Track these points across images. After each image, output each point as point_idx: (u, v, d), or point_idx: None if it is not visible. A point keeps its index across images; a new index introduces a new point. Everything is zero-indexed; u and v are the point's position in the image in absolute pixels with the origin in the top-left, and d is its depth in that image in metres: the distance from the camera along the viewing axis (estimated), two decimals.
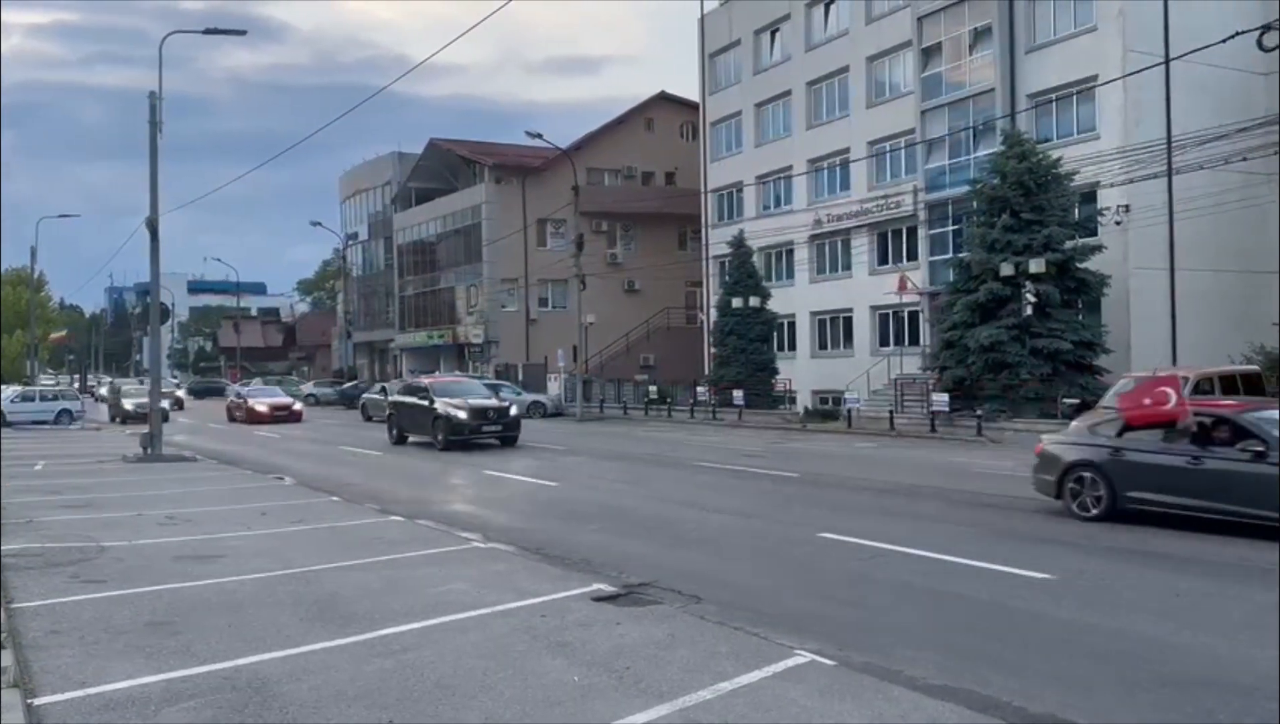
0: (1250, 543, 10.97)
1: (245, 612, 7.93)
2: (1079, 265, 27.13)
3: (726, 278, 40.36)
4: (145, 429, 23.47)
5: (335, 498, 15.63)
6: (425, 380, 26.97)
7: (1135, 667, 6.51)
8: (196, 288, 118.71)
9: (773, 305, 38.58)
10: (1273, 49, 16.78)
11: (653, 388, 41.21)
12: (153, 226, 23.24)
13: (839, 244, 39.38)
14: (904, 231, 36.29)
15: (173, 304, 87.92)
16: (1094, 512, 11.79)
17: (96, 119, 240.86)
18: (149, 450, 22.37)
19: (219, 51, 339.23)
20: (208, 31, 23.63)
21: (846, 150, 38.35)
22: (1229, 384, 19.85)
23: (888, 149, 36.97)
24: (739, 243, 39.04)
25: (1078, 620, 7.70)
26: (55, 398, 41.43)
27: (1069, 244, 27.08)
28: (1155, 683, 6.20)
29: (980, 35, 32.42)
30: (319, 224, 63.61)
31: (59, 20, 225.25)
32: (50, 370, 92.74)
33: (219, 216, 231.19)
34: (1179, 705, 5.82)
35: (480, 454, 23.56)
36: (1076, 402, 24.40)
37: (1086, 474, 11.93)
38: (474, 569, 9.69)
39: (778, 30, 42.72)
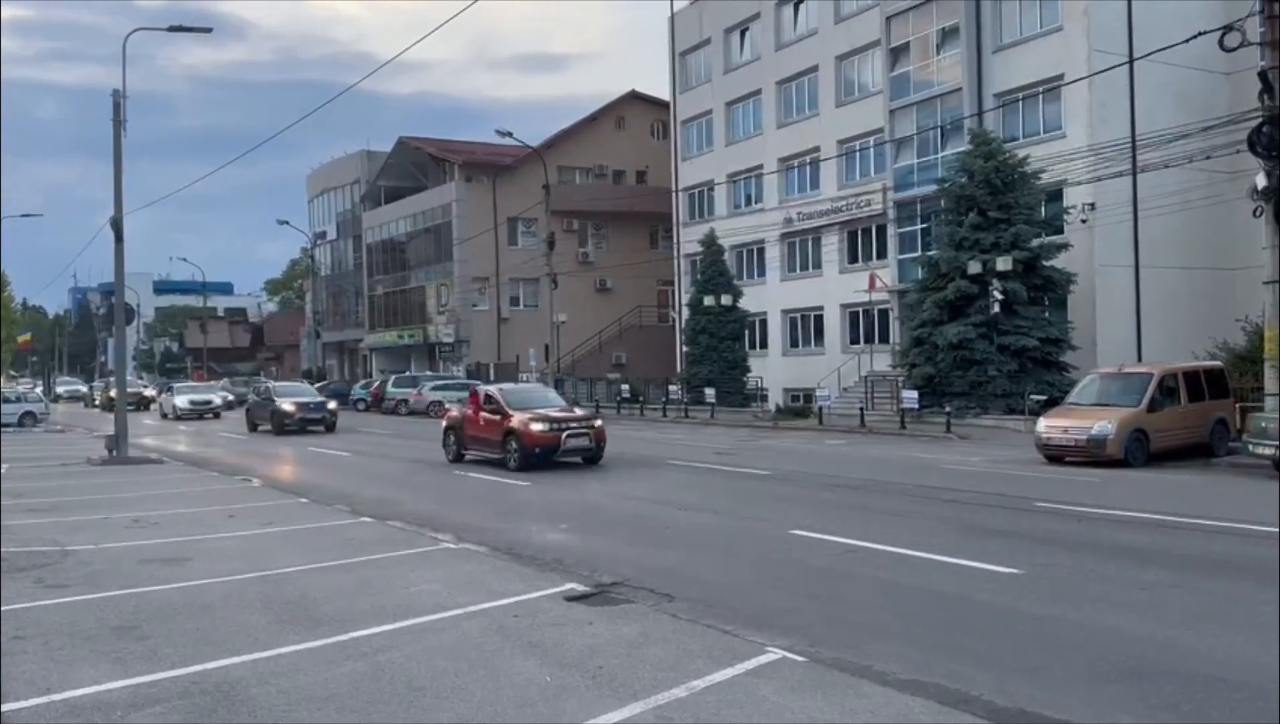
0: (1212, 537, 11.16)
1: (213, 615, 7.85)
2: (1045, 263, 27.43)
3: (698, 276, 40.43)
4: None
5: (304, 500, 15.51)
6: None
7: (1102, 658, 6.59)
8: (162, 288, 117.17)
9: (744, 304, 38.70)
10: (1234, 49, 17.04)
11: (625, 386, 41.22)
12: (117, 226, 22.92)
13: (809, 242, 39.56)
14: (873, 230, 36.52)
15: (138, 305, 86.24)
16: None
17: (53, 116, 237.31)
18: (115, 453, 22.07)
19: (178, 49, 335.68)
20: (173, 29, 23.34)
21: (816, 149, 38.54)
22: (1193, 380, 20.15)
23: (857, 148, 37.19)
24: (710, 241, 39.13)
25: (1045, 614, 7.79)
26: (18, 400, 40.80)
27: (1035, 242, 27.36)
28: (1121, 674, 6.29)
29: (948, 35, 32.69)
30: (286, 223, 63.23)
31: (12, 16, 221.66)
32: (13, 372, 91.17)
33: (184, 215, 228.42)
34: (1144, 696, 5.90)
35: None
36: (1043, 398, 24.67)
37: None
38: (445, 570, 9.65)
39: (748, 29, 42.86)
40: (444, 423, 22.05)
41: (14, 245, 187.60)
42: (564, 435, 19.14)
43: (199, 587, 8.93)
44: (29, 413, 38.86)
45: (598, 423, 20.36)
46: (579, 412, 21.97)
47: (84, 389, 71.99)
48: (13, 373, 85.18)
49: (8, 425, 36.30)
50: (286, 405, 31.24)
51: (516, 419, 19.27)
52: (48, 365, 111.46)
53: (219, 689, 6.00)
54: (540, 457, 18.87)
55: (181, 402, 43.07)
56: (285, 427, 30.84)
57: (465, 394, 43.63)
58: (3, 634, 7.25)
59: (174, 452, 25.86)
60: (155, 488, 17.28)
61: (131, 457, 22.40)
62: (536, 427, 19.04)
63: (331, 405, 32.71)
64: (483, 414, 20.33)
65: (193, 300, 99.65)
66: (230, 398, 50.31)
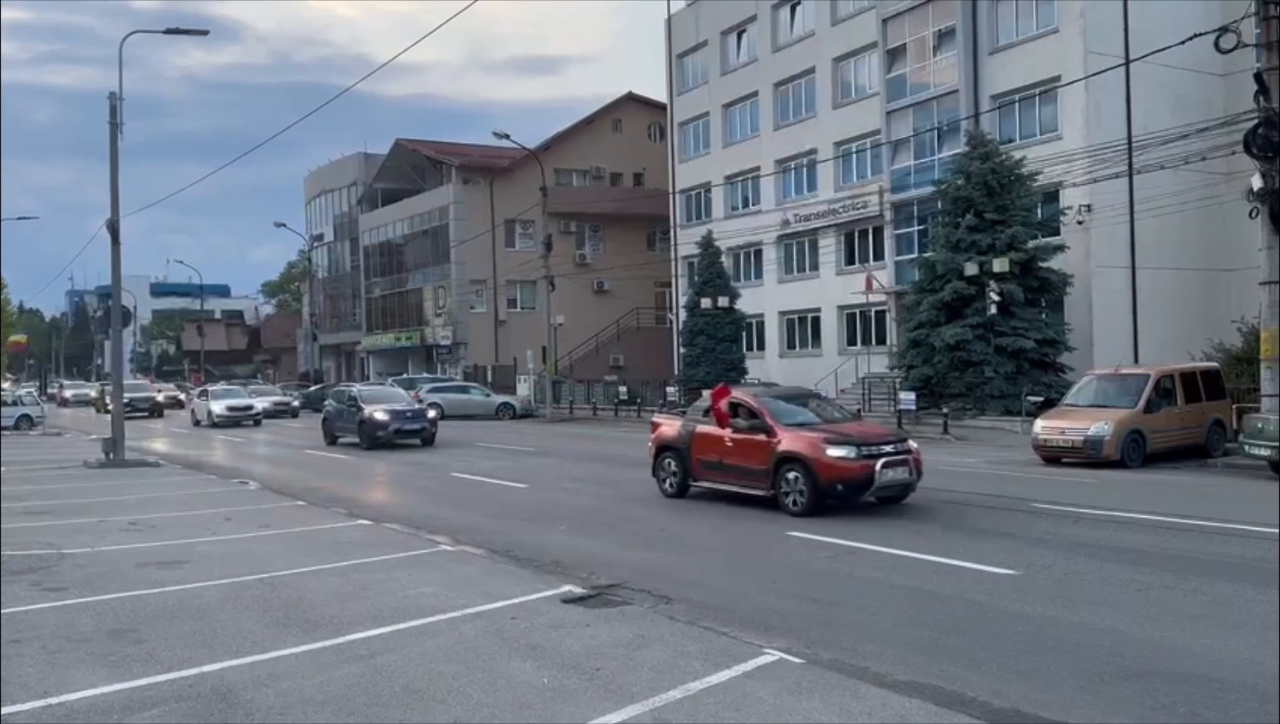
0: (1208, 538, 11.19)
1: (210, 618, 7.85)
2: (1042, 264, 27.46)
3: (695, 278, 40.46)
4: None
5: (301, 502, 15.50)
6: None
7: (1097, 659, 6.61)
8: (159, 290, 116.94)
9: (741, 305, 38.73)
10: (1230, 51, 17.07)
11: (622, 388, 41.20)
12: (114, 228, 22.89)
13: (806, 244, 39.60)
14: (870, 231, 36.57)
15: (135, 307, 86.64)
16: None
17: (48, 119, 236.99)
18: (111, 456, 22.05)
19: (174, 51, 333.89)
20: (169, 31, 23.31)
21: (813, 151, 38.59)
22: (1189, 381, 20.18)
23: (854, 150, 37.23)
24: (707, 243, 39.16)
25: (1041, 615, 7.80)
26: (15, 403, 40.73)
27: (1032, 243, 27.40)
28: (1117, 675, 6.30)
29: (944, 37, 32.73)
30: (283, 225, 62.77)
31: (8, 19, 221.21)
32: (11, 375, 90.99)
33: (180, 218, 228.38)
34: (1140, 697, 5.91)
35: (448, 456, 23.48)
36: (1040, 399, 24.68)
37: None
38: (443, 572, 9.65)
39: (744, 31, 42.90)
40: (653, 443, 15.62)
41: (11, 248, 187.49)
42: (878, 465, 12.87)
43: (196, 589, 8.93)
44: (26, 416, 38.80)
45: (914, 445, 13.86)
46: (883, 428, 15.52)
47: (94, 393, 62.25)
48: (10, 376, 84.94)
49: (5, 428, 36.22)
50: (378, 414, 26.26)
51: (795, 440, 13.24)
52: (44, 368, 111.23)
53: (216, 692, 6.01)
54: (843, 495, 12.95)
55: (218, 407, 38.36)
56: (378, 440, 25.94)
57: (472, 395, 41.33)
58: (1, 638, 7.25)
59: (171, 455, 25.76)
60: (152, 491, 17.26)
61: (129, 460, 22.38)
62: (836, 452, 12.84)
63: (431, 414, 27.81)
64: (732, 432, 14.03)
65: (189, 303, 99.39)
66: (296, 403, 45.91)
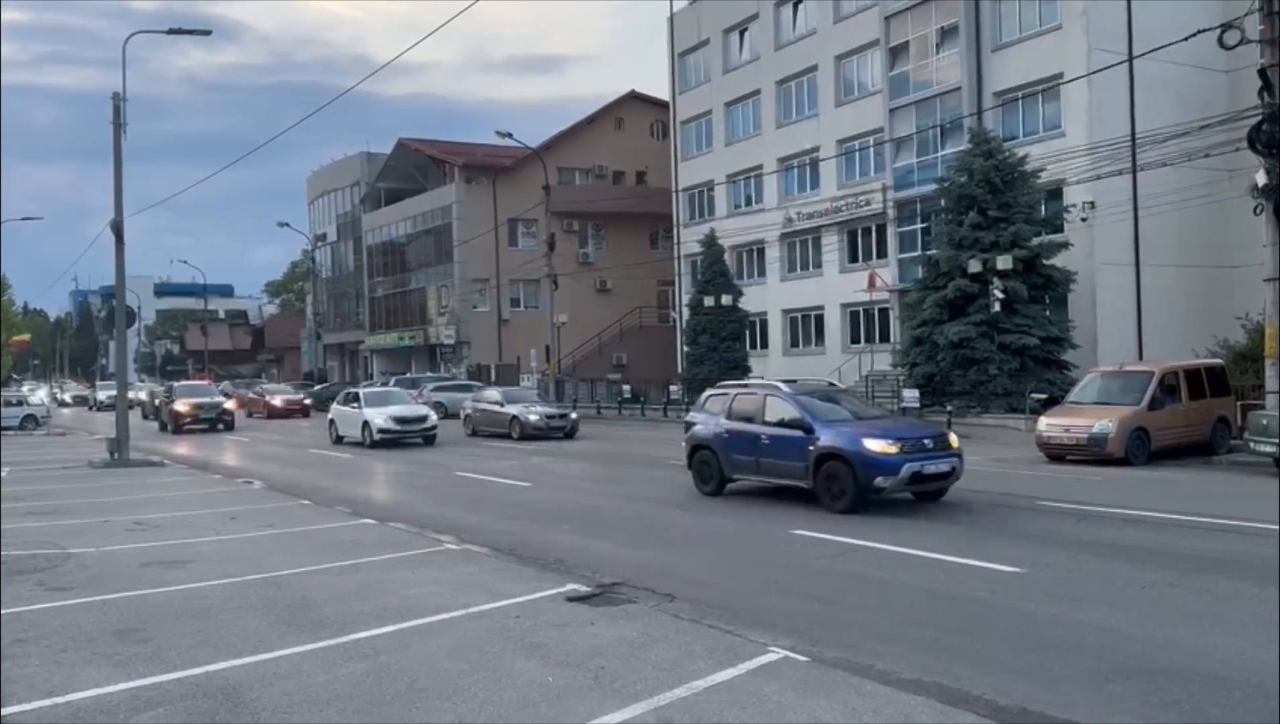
0: (1212, 535, 11.17)
1: (215, 617, 7.86)
2: (1045, 261, 27.42)
3: (698, 276, 40.43)
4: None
5: (306, 502, 15.52)
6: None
7: (1102, 658, 6.60)
8: (163, 291, 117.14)
9: (745, 304, 38.71)
10: (1233, 47, 17.04)
11: (625, 387, 41.21)
12: (117, 229, 22.93)
13: (809, 242, 39.57)
14: (873, 229, 36.53)
15: (139, 307, 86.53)
16: None
17: (48, 120, 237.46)
18: (116, 456, 22.09)
19: (173, 52, 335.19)
20: (172, 32, 23.34)
21: (816, 149, 38.55)
22: (1193, 378, 20.14)
23: (856, 147, 37.20)
24: (710, 241, 39.15)
25: (1045, 613, 7.79)
26: (20, 403, 40.83)
27: (1035, 241, 27.35)
28: (1121, 673, 6.29)
29: (947, 34, 32.69)
30: (286, 225, 62.91)
31: (7, 20, 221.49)
32: (15, 376, 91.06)
33: (183, 219, 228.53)
34: (1144, 695, 5.90)
35: (451, 456, 23.49)
36: (1044, 396, 24.66)
37: None
38: (447, 571, 9.66)
39: (746, 29, 42.87)
40: None
41: (15, 250, 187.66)
42: None
43: (200, 589, 8.95)
44: (30, 416, 38.89)
45: None
46: None
47: (143, 395, 49.05)
48: (15, 376, 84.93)
49: (8, 429, 36.29)
50: (873, 444, 12.94)
51: None
52: (49, 369, 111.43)
53: (221, 691, 6.02)
54: None
55: (380, 419, 26.38)
56: (874, 488, 12.92)
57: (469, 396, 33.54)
58: (5, 637, 7.26)
59: (175, 455, 25.75)
60: (156, 491, 17.29)
61: (133, 460, 22.42)
62: None
63: (953, 439, 14.01)
64: None
65: (193, 303, 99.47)
66: (574, 415, 29.73)
